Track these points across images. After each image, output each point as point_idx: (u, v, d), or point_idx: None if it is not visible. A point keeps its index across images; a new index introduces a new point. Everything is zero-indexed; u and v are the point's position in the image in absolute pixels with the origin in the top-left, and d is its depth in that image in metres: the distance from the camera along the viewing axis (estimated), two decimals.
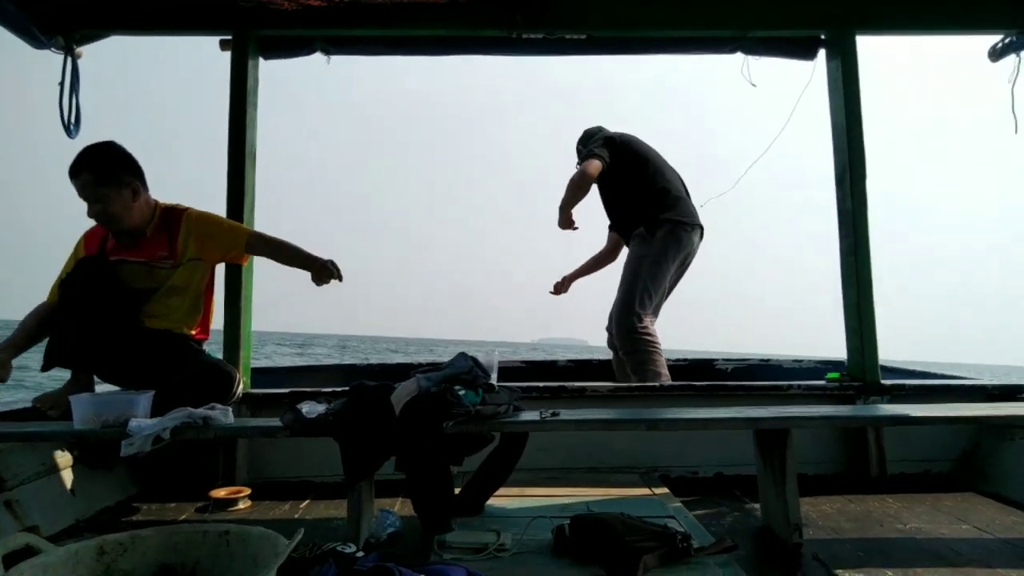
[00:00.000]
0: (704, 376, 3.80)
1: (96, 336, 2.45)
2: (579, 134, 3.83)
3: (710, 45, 3.24)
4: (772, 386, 2.93)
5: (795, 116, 3.33)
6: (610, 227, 3.91)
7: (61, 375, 2.55)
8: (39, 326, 2.55)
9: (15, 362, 2.47)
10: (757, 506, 2.27)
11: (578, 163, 3.57)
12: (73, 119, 3.06)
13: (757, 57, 3.23)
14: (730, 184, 3.74)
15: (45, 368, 2.48)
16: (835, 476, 2.86)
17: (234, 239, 2.70)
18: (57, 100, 3.01)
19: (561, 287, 3.97)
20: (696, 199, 3.61)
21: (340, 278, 2.63)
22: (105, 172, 2.49)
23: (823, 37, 3.18)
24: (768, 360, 3.99)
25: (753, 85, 3.25)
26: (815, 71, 3.24)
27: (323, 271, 2.60)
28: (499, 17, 3.03)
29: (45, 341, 2.53)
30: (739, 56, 3.24)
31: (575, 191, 3.42)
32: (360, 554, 1.62)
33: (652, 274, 3.38)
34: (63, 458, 2.44)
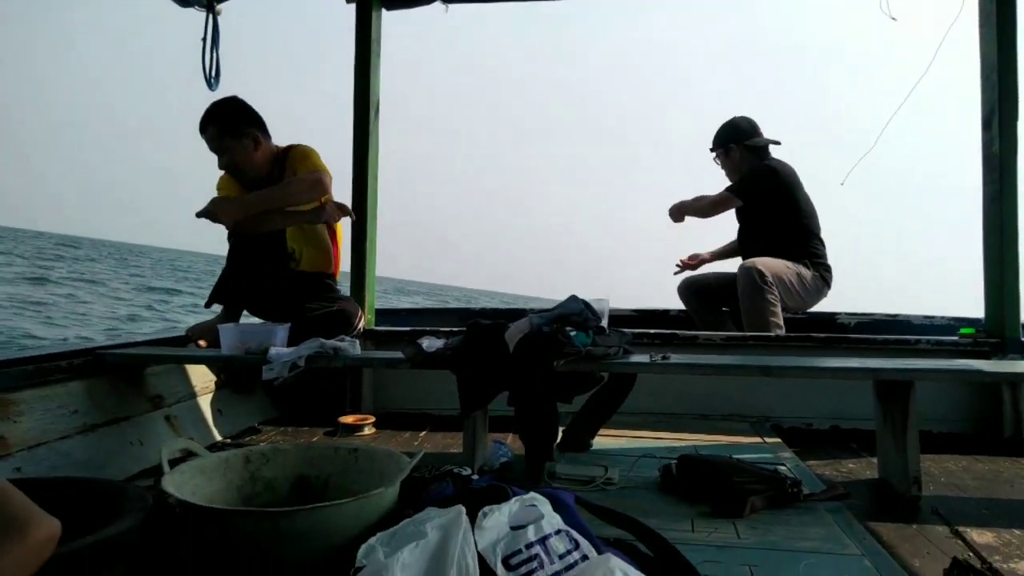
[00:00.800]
0: (825, 331, 3.66)
1: (253, 279, 2.73)
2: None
3: None
4: (898, 339, 2.80)
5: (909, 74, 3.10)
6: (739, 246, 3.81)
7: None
8: None
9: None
10: (875, 460, 2.20)
11: (722, 160, 3.58)
12: (213, 72, 3.29)
13: None
14: (870, 141, 3.54)
15: (208, 304, 2.81)
16: (963, 435, 2.71)
17: (302, 167, 2.79)
18: (200, 55, 3.25)
19: (690, 263, 3.90)
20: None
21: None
22: (228, 124, 2.71)
23: None
24: (896, 315, 3.78)
25: (893, 19, 3.03)
26: (964, 5, 2.97)
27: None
28: None
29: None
30: None
31: (702, 211, 3.50)
32: (475, 476, 1.73)
33: (792, 283, 3.32)
34: (212, 382, 2.72)
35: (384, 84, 3.28)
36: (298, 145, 2.87)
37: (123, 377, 2.33)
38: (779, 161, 3.52)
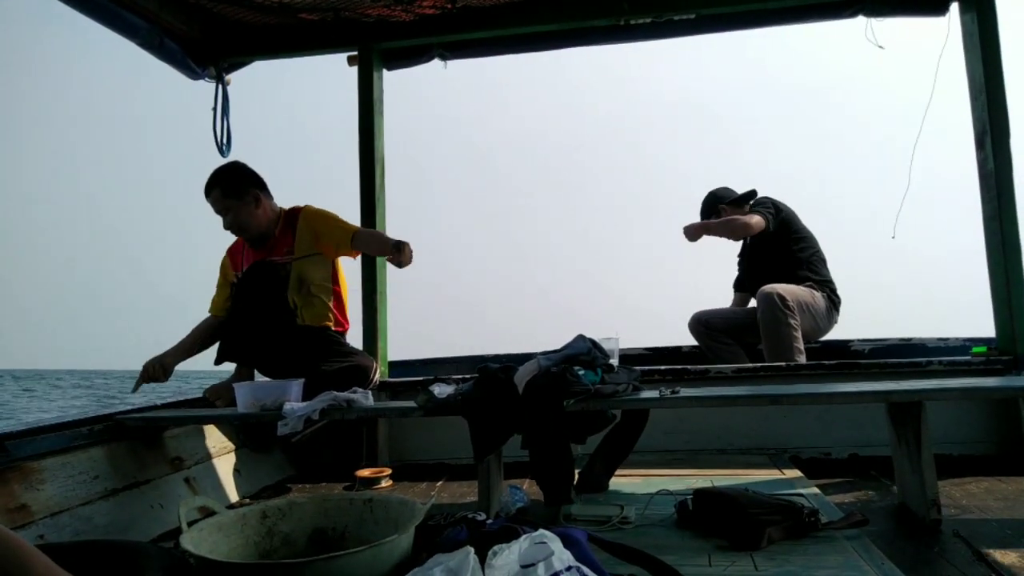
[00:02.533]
0: (839, 358, 3.64)
1: (256, 335, 2.77)
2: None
3: (828, 11, 3.12)
4: (910, 363, 2.79)
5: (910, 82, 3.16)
6: (739, 285, 3.88)
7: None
8: (202, 335, 2.95)
9: (182, 366, 2.90)
10: (895, 486, 2.18)
11: (728, 213, 3.63)
12: (224, 140, 3.43)
13: (880, 19, 3.08)
14: (883, 172, 3.61)
15: (217, 362, 2.85)
16: (984, 457, 2.68)
17: (343, 235, 2.87)
18: (211, 124, 3.39)
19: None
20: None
21: (409, 257, 2.68)
22: (230, 186, 2.83)
23: None
24: (910, 339, 3.76)
25: (880, 47, 3.10)
26: (949, 29, 3.04)
27: (397, 251, 2.67)
28: (607, 6, 3.09)
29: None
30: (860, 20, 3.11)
31: (727, 231, 3.53)
32: (489, 521, 1.74)
33: (811, 308, 3.35)
34: (230, 442, 2.76)
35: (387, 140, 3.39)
36: (306, 206, 2.96)
37: (143, 441, 2.36)
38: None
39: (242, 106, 3.53)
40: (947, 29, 3.05)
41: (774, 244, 3.53)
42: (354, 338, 3.10)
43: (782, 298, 3.22)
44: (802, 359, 3.18)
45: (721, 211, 3.68)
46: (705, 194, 3.82)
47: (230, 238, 2.99)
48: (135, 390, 2.72)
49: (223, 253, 3.09)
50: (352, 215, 3.13)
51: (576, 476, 2.33)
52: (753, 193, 3.71)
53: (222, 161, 3.29)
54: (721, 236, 3.59)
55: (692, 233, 3.55)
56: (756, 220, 3.44)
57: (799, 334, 3.21)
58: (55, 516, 1.89)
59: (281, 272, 2.83)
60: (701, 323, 3.68)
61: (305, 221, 2.90)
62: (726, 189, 3.78)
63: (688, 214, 3.80)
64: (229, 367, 2.89)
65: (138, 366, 2.76)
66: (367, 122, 3.31)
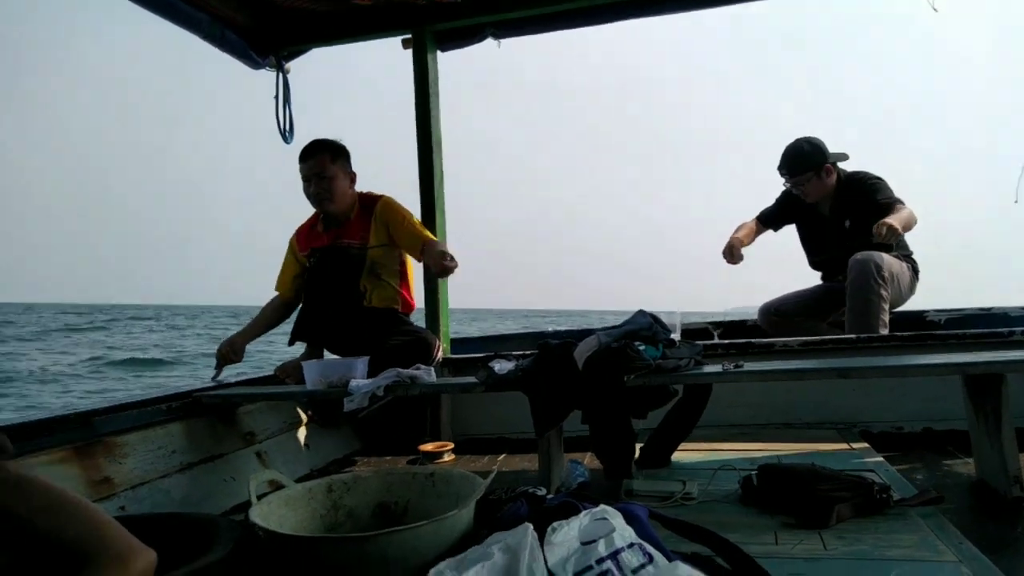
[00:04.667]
0: (914, 329, 3.49)
1: (327, 316, 2.86)
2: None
3: None
4: (989, 333, 2.65)
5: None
6: (765, 219, 3.65)
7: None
8: (270, 316, 3.07)
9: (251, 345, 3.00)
10: (972, 461, 2.09)
11: (812, 183, 3.36)
12: (288, 127, 3.50)
13: None
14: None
15: (291, 342, 2.95)
16: None
17: (413, 241, 2.91)
18: (274, 112, 3.46)
19: (734, 261, 3.57)
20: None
21: (452, 266, 2.67)
22: (338, 153, 2.92)
23: None
24: (990, 309, 3.58)
25: (935, 10, 2.91)
26: None
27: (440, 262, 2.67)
28: None
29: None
30: None
31: (907, 226, 3.12)
32: (550, 496, 1.75)
33: (901, 279, 3.18)
34: (300, 417, 2.85)
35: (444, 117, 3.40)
36: (384, 196, 3.01)
37: (218, 417, 2.47)
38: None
39: (300, 93, 3.58)
40: None
41: (864, 218, 3.17)
42: (419, 318, 3.16)
43: (879, 267, 3.05)
44: (885, 332, 3.04)
45: (825, 170, 3.35)
46: (791, 145, 3.42)
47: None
48: (215, 378, 2.81)
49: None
50: (411, 199, 3.18)
51: (637, 451, 2.32)
52: (845, 156, 3.42)
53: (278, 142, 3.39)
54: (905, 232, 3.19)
55: (889, 238, 3.01)
56: (914, 213, 3.15)
57: (887, 306, 3.06)
58: (135, 489, 1.99)
59: (355, 258, 2.90)
60: (772, 312, 3.54)
61: (382, 213, 2.95)
62: (819, 144, 3.39)
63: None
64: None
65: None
66: (423, 104, 3.31)
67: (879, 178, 3.33)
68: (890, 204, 3.16)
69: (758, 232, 3.67)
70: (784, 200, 3.63)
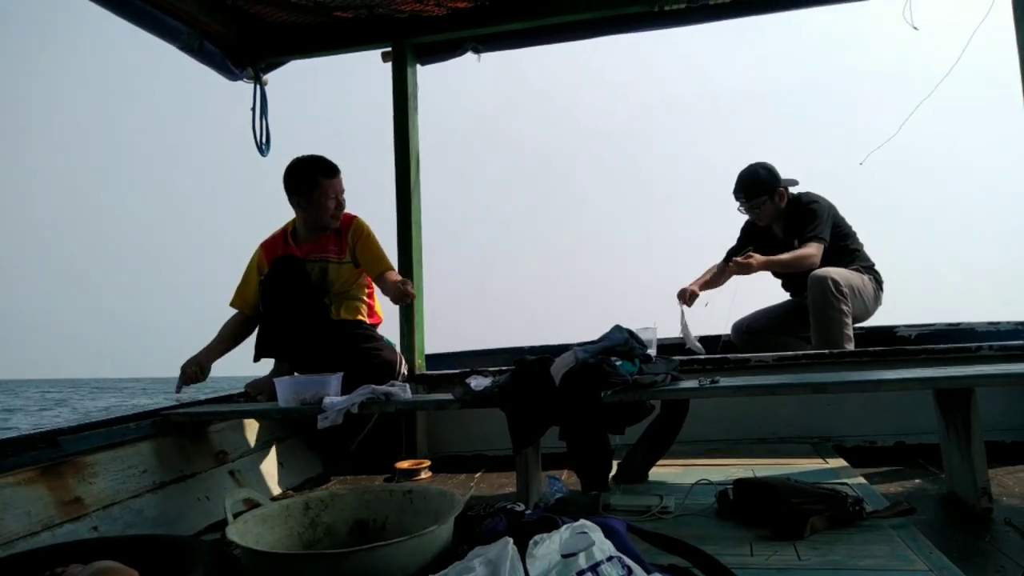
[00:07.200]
0: (884, 344, 3.55)
1: (293, 330, 2.83)
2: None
3: None
4: (958, 348, 2.70)
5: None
6: (783, 285, 3.65)
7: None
8: (234, 332, 3.00)
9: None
10: (943, 474, 2.13)
11: (764, 208, 3.43)
12: (264, 139, 3.48)
13: None
14: (893, 128, 3.48)
15: (256, 359, 2.90)
16: None
17: (374, 266, 2.94)
18: (251, 123, 3.45)
19: (688, 301, 3.54)
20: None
21: (411, 292, 2.73)
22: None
23: None
24: (958, 324, 3.65)
25: (915, 28, 3.00)
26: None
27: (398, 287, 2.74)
28: None
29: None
30: None
31: (788, 267, 3.29)
32: (528, 511, 1.74)
33: (861, 292, 3.24)
34: (273, 436, 2.81)
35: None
36: (357, 218, 3.03)
37: (188, 436, 2.42)
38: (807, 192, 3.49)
39: (278, 105, 3.58)
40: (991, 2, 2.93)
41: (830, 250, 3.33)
42: (390, 331, 3.15)
43: (836, 283, 3.11)
44: (851, 346, 3.09)
45: (777, 194, 3.42)
46: (746, 169, 3.48)
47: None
48: (178, 392, 2.77)
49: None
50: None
51: (615, 467, 2.33)
52: (795, 182, 3.50)
53: (244, 159, 3.36)
54: (781, 272, 3.40)
55: (742, 270, 3.26)
56: (817, 250, 3.24)
57: (850, 320, 3.12)
58: (107, 509, 1.95)
59: (324, 272, 2.92)
60: (744, 331, 3.58)
61: (354, 234, 2.98)
62: (772, 169, 3.46)
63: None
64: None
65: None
66: (402, 117, 3.32)
67: (816, 203, 3.38)
68: (802, 238, 3.30)
69: (729, 273, 3.59)
70: (747, 230, 3.71)
